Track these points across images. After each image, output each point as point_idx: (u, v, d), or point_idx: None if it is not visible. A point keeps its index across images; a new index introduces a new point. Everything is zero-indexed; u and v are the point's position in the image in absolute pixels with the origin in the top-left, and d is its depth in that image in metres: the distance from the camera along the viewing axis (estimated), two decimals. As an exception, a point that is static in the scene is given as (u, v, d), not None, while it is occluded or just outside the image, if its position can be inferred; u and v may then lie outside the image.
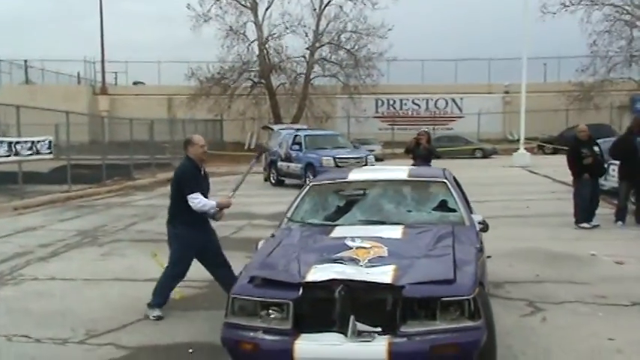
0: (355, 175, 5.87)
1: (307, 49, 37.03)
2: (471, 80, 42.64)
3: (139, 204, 16.29)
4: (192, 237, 6.08)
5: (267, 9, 36.73)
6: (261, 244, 5.54)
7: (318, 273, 4.09)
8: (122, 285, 7.49)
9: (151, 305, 6.17)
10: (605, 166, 11.48)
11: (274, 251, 4.70)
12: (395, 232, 4.89)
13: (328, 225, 5.27)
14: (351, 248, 4.54)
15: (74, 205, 15.95)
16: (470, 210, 5.50)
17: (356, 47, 36.54)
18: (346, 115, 38.63)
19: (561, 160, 28.71)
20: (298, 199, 5.67)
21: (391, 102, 42.77)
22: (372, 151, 25.99)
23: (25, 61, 43.09)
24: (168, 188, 20.52)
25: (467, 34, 57.97)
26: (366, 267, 4.22)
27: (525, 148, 29.77)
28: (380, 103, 42.33)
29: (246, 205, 15.59)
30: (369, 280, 3.92)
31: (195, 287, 7.07)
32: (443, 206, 5.40)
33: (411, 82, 42.39)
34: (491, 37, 56.24)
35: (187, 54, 65.41)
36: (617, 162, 11.25)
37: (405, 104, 42.98)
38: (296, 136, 20.52)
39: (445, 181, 5.68)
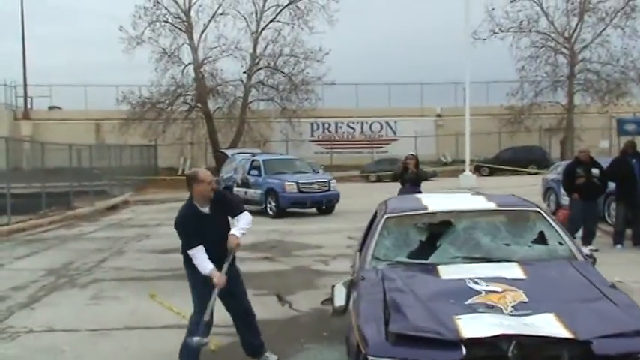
0: (436, 205, 5.31)
1: (244, 72, 36.32)
2: (404, 104, 43.14)
3: (95, 236, 15.06)
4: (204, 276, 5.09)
5: (202, 32, 35.85)
6: (340, 287, 4.89)
7: (475, 326, 3.51)
8: (139, 335, 6.59)
9: None
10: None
11: (388, 298, 4.05)
12: (513, 270, 4.37)
13: (426, 264, 4.68)
14: (479, 292, 3.99)
15: (22, 240, 14.54)
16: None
17: (294, 71, 36.16)
18: (284, 139, 38.06)
19: (503, 181, 29.63)
20: (376, 234, 5.04)
21: (326, 125, 42.58)
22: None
23: None
24: (112, 217, 19.15)
25: (400, 59, 59.04)
26: (514, 315, 3.67)
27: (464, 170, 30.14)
28: (315, 126, 42.04)
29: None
30: (547, 334, 3.36)
31: (232, 334, 6.27)
32: (543, 238, 4.93)
33: (345, 105, 42.42)
34: (422, 62, 57.50)
35: (116, 78, 63.01)
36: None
37: (341, 127, 42.90)
38: (253, 161, 19.77)
39: (539, 210, 5.22)
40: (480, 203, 5.32)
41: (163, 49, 35.57)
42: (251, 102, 36.94)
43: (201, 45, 35.92)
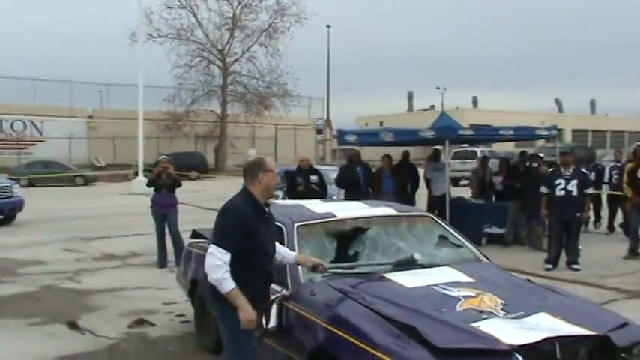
0: (342, 212, 5.05)
1: None
2: (51, 102, 39.85)
3: None
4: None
5: None
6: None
7: (510, 332, 3.52)
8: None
9: None
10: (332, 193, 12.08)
11: (383, 312, 3.78)
12: (457, 274, 4.46)
13: (369, 274, 4.47)
14: (459, 299, 4.02)
15: None
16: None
17: None
18: None
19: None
20: (295, 245, 4.61)
21: (-46, 123, 36.78)
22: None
23: None
24: None
25: (47, 52, 54.07)
26: (515, 318, 3.83)
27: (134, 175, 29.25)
28: (-60, 123, 35.93)
29: None
30: (577, 333, 3.57)
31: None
32: (445, 242, 5.14)
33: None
34: (72, 59, 53.78)
35: None
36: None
37: (-26, 125, 37.53)
38: None
39: (431, 215, 5.43)
40: (378, 209, 5.30)
41: None
42: None
43: None
